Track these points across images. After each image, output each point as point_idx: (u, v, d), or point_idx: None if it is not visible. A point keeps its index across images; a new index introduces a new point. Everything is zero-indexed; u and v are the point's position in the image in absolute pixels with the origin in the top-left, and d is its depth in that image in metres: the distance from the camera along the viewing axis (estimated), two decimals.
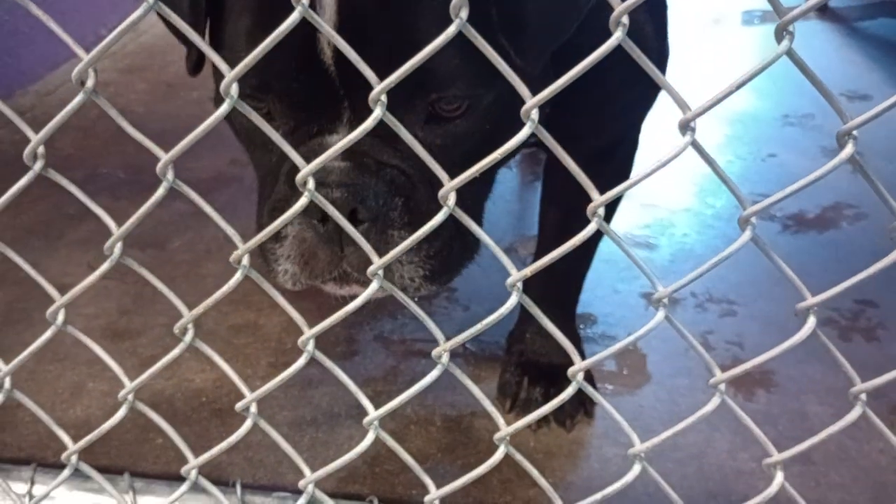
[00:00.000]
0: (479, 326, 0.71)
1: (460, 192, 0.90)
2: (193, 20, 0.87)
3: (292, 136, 0.88)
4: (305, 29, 0.77)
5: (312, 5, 0.80)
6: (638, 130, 1.25)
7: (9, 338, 1.48)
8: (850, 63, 2.86)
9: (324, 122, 0.87)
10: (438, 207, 0.67)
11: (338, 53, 0.81)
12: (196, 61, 0.95)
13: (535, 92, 0.62)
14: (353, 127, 0.84)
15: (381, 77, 0.62)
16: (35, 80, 2.51)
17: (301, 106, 0.87)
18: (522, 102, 0.62)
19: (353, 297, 0.82)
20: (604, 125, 1.16)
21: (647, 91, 1.12)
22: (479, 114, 0.88)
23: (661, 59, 1.14)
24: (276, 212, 0.89)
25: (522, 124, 0.63)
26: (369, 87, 0.62)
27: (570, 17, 0.86)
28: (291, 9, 0.60)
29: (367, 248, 0.71)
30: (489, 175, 1.03)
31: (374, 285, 0.71)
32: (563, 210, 1.31)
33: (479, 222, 1.03)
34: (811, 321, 0.68)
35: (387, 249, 0.84)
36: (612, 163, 1.23)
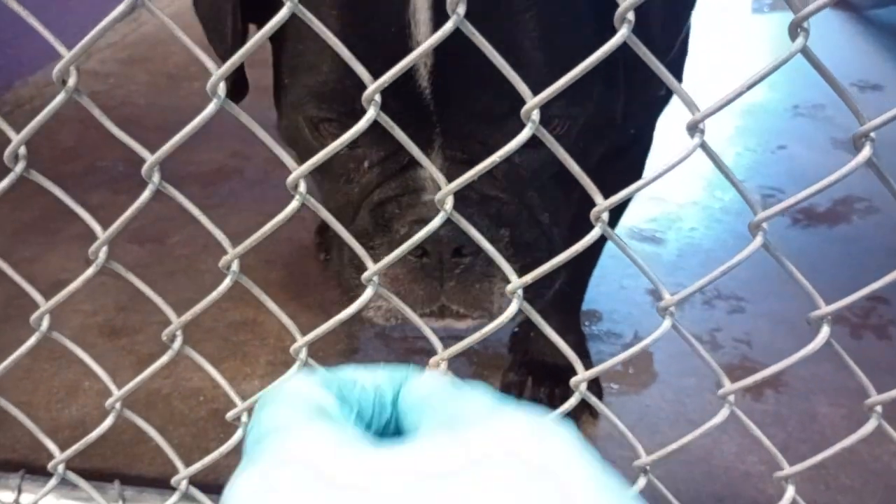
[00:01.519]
0: (477, 335, 0.69)
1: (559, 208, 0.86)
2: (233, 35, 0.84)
3: (381, 167, 0.83)
4: (398, 48, 0.74)
5: (407, 21, 0.77)
6: (652, 130, 1.21)
7: (6, 334, 1.45)
8: (861, 52, 2.82)
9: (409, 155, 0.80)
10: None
11: (434, 74, 0.76)
12: (234, 83, 0.91)
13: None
14: (445, 155, 0.80)
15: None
16: (35, 70, 2.49)
17: (391, 133, 0.82)
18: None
19: (452, 330, 0.82)
20: (622, 126, 1.12)
21: (664, 90, 1.09)
22: (575, 134, 0.83)
23: (684, 57, 1.11)
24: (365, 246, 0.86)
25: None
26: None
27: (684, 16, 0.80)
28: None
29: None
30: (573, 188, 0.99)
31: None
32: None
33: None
34: (825, 331, 0.65)
35: (491, 283, 0.81)
36: (625, 164, 1.19)
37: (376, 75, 0.73)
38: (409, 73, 0.76)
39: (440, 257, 0.79)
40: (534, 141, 0.82)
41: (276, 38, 0.88)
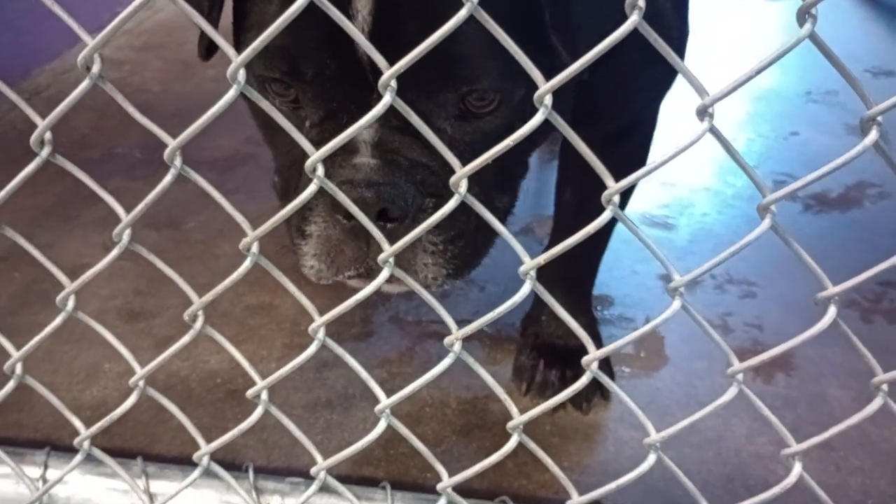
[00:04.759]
0: (491, 315, 0.70)
1: (490, 182, 0.89)
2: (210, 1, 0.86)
3: (320, 126, 0.86)
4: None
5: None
6: (656, 111, 1.22)
7: (26, 318, 1.48)
8: (874, 37, 2.81)
9: (354, 112, 0.83)
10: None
11: (371, 40, 0.79)
12: (209, 44, 0.94)
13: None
14: (380, 120, 0.81)
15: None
16: (52, 57, 2.51)
17: (331, 95, 0.84)
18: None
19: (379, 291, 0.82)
20: (622, 106, 1.14)
21: (665, 71, 1.10)
22: (510, 110, 0.85)
23: (680, 39, 1.11)
24: (302, 208, 0.88)
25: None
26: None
27: (613, 14, 0.84)
28: None
29: (377, 235, 0.70)
30: (521, 163, 1.01)
31: (384, 272, 0.70)
32: (579, 192, 1.29)
33: (510, 208, 1.01)
34: (832, 311, 0.66)
35: (414, 249, 0.83)
36: (630, 144, 1.21)
37: (316, 41, 0.75)
38: (348, 40, 0.75)
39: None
40: (466, 113, 0.85)
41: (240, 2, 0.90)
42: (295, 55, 0.80)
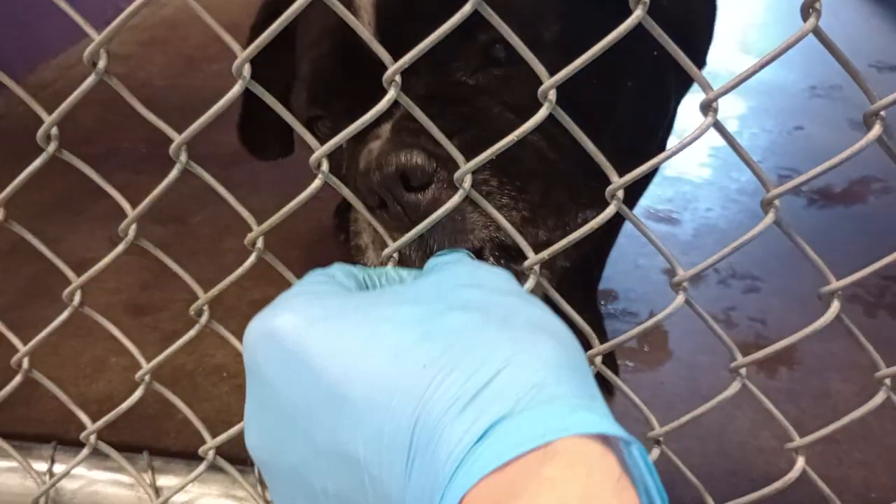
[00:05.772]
0: None
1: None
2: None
3: (352, 146, 0.85)
4: (348, 37, 0.76)
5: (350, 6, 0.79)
6: (674, 114, 1.22)
7: (32, 312, 1.49)
8: (878, 32, 2.80)
9: (372, 125, 0.82)
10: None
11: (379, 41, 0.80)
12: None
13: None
14: (396, 123, 0.80)
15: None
16: (57, 53, 2.51)
17: (353, 114, 0.83)
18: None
19: None
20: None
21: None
22: (539, 55, 0.81)
23: (710, 40, 1.11)
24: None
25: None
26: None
27: None
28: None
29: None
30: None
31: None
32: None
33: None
34: (835, 305, 0.67)
35: (464, 210, 0.77)
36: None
37: (331, 64, 0.74)
38: (363, 49, 0.68)
39: (396, 200, 0.76)
40: (491, 62, 0.80)
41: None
42: (312, 82, 0.80)
